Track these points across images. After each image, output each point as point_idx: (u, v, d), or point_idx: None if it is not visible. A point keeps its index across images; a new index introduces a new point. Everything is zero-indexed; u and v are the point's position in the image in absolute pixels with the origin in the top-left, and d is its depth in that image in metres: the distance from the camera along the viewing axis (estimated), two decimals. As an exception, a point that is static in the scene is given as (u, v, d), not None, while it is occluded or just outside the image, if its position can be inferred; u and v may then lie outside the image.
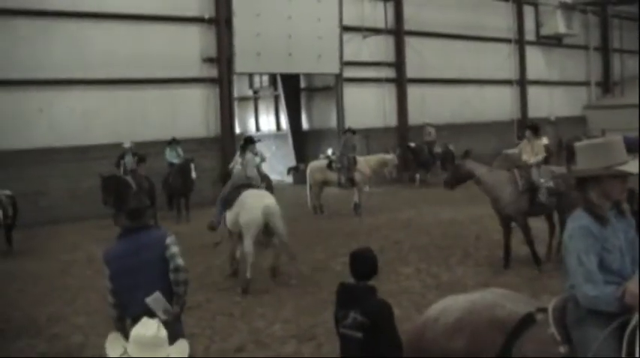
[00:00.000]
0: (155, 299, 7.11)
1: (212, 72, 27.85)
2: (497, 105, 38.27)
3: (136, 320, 6.02)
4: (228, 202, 14.38)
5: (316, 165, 23.60)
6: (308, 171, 23.57)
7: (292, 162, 33.36)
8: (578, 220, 4.97)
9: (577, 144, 5.32)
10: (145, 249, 7.37)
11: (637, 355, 4.52)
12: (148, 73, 25.81)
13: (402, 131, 33.57)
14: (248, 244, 13.55)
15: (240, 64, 28.14)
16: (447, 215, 21.10)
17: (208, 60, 27.72)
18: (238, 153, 15.93)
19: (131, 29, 25.51)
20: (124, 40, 25.17)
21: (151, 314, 6.51)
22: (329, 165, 22.95)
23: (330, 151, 24.43)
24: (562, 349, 4.96)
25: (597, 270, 4.80)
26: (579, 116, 43.69)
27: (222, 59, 27.75)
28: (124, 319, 7.38)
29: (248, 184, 14.77)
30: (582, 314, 4.87)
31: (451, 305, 5.84)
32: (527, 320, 5.27)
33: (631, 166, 4.93)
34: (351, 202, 22.89)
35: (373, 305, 6.27)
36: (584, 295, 4.78)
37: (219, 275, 15.00)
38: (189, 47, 27.18)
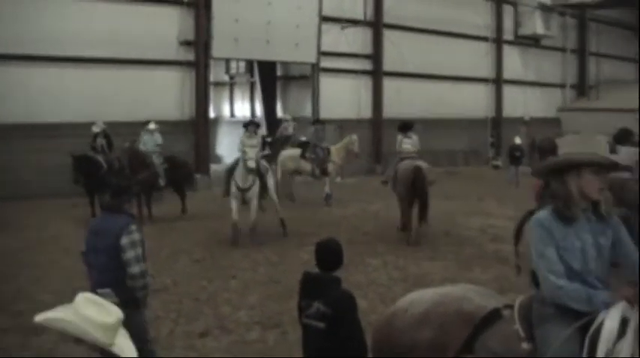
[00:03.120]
0: (105, 294, 6.99)
1: (189, 55, 27.71)
2: (472, 102, 38.34)
3: None
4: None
5: (289, 153, 23.56)
6: (280, 159, 23.50)
7: (265, 150, 33.28)
8: (539, 214, 5.05)
9: (561, 138, 5.39)
10: (104, 233, 7.42)
11: (598, 355, 4.54)
12: (124, 53, 25.62)
13: (377, 123, 33.58)
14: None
15: (218, 49, 27.97)
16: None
17: (185, 43, 27.58)
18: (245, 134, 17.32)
19: (110, 8, 25.26)
20: (101, 18, 24.91)
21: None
22: (302, 155, 22.92)
23: (303, 139, 24.40)
24: (525, 345, 5.01)
25: (559, 262, 4.83)
26: (553, 117, 43.89)
27: (200, 43, 27.62)
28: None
29: None
30: (546, 313, 4.90)
31: (421, 297, 5.90)
32: (494, 315, 5.32)
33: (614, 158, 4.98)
34: (322, 192, 22.90)
35: (337, 296, 6.30)
36: (549, 285, 4.82)
37: (187, 259, 15.00)
38: (167, 29, 27.01)
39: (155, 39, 26.38)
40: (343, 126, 30.22)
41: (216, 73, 36.44)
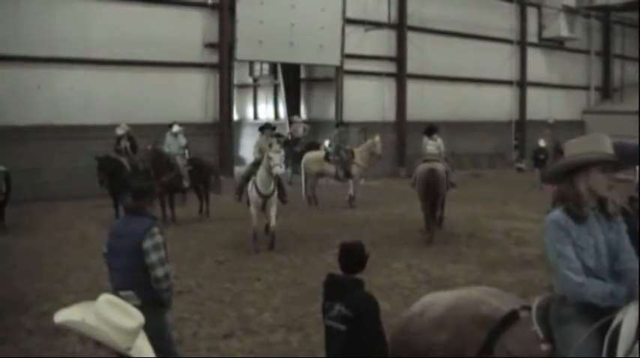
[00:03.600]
0: (127, 296, 7.03)
1: (213, 57, 27.80)
2: (496, 105, 38.25)
3: None
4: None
5: (313, 156, 23.59)
6: (304, 161, 23.52)
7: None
8: (551, 215, 5.06)
9: (566, 143, 5.34)
10: (127, 236, 7.42)
11: (618, 355, 4.56)
12: (149, 55, 25.77)
13: (401, 126, 33.54)
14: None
15: (242, 51, 28.09)
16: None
17: (210, 45, 27.69)
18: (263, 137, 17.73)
19: (134, 10, 25.45)
20: (126, 21, 25.11)
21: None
22: (326, 157, 22.97)
23: (327, 143, 24.41)
24: (544, 347, 5.03)
25: (577, 260, 4.88)
26: (578, 120, 43.62)
27: (224, 45, 27.70)
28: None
29: None
30: (565, 313, 4.94)
31: (436, 301, 5.91)
32: (511, 318, 5.34)
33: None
34: (346, 194, 22.91)
35: (359, 298, 6.27)
36: (569, 283, 4.87)
37: (211, 260, 15.04)
38: (192, 32, 27.15)
39: (180, 41, 26.50)
40: (367, 128, 30.19)
41: (240, 75, 36.50)
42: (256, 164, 16.86)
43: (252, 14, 27.67)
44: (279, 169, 16.03)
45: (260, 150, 16.97)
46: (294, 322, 10.77)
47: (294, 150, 29.08)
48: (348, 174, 22.74)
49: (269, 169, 15.86)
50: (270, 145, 16.36)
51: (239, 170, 28.96)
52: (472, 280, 12.69)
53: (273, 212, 16.46)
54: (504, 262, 14.76)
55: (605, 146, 5.08)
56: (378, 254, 15.32)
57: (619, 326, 4.63)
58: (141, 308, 6.95)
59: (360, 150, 23.40)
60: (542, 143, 30.49)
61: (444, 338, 5.51)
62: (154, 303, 7.29)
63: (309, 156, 23.77)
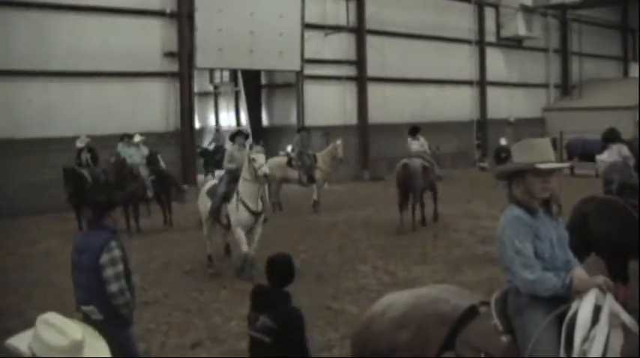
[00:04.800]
0: (89, 311, 7.22)
1: (173, 66, 27.63)
2: (457, 105, 38.49)
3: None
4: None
5: (275, 161, 23.50)
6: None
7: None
8: (511, 212, 5.37)
9: (514, 145, 5.78)
10: (86, 250, 7.38)
11: (576, 341, 4.84)
12: (109, 66, 25.55)
13: (363, 129, 33.63)
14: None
15: (202, 59, 27.98)
16: (405, 213, 21.22)
17: (169, 54, 27.52)
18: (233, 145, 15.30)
19: (93, 22, 25.23)
20: (85, 32, 24.91)
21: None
22: (289, 163, 22.97)
23: (289, 148, 24.41)
24: (504, 338, 5.28)
25: (533, 256, 5.20)
26: (538, 118, 44.12)
27: (184, 54, 27.57)
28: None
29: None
30: (522, 304, 5.21)
31: (397, 300, 6.03)
32: (471, 313, 5.53)
33: (546, 165, 5.34)
34: (310, 199, 22.91)
35: (285, 312, 6.34)
36: (523, 280, 5.15)
37: (177, 270, 14.98)
38: (151, 41, 26.97)
39: (139, 51, 26.34)
40: (329, 132, 30.23)
41: (201, 83, 36.42)
42: (232, 178, 14.55)
43: (211, 22, 27.58)
44: (267, 169, 14.03)
45: (233, 161, 14.79)
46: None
47: (215, 158, 29.05)
48: (311, 179, 22.77)
49: (254, 174, 13.85)
50: (250, 147, 14.79)
51: (201, 179, 28.93)
52: (438, 280, 12.74)
53: (259, 233, 14.50)
54: (470, 261, 14.86)
55: (544, 153, 5.45)
56: (344, 258, 15.50)
57: (575, 314, 4.93)
58: (104, 322, 7.02)
59: (322, 155, 23.43)
60: (503, 141, 30.69)
61: (405, 336, 5.63)
62: (116, 318, 7.26)
63: (272, 161, 23.72)
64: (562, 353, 4.92)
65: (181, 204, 22.10)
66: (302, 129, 24.91)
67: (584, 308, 4.93)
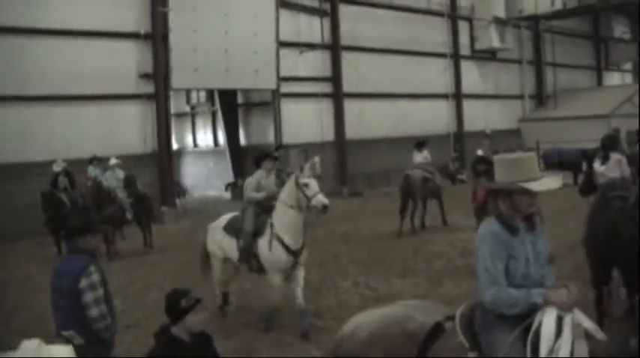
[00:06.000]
0: (69, 336, 7.08)
1: (149, 88, 27.59)
2: (433, 118, 38.66)
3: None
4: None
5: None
6: (245, 186, 23.37)
7: (230, 178, 33.26)
8: (489, 227, 5.37)
9: (495, 157, 5.75)
10: (65, 275, 7.29)
11: (541, 353, 4.89)
12: (84, 88, 25.46)
13: (340, 145, 33.70)
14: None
15: (177, 80, 27.91)
16: (385, 228, 21.25)
17: (145, 76, 27.49)
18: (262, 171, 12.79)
19: (67, 44, 25.14)
20: (60, 55, 24.81)
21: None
22: (267, 180, 22.87)
23: (268, 166, 24.31)
24: (471, 355, 5.28)
25: (502, 276, 5.22)
26: (514, 129, 44.40)
27: (159, 75, 27.55)
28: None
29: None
30: (489, 319, 5.24)
31: (365, 320, 6.06)
32: (437, 330, 5.53)
33: (537, 185, 5.33)
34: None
35: None
36: (488, 298, 5.20)
37: (157, 292, 14.82)
38: (126, 63, 26.91)
39: (114, 73, 26.24)
40: (307, 149, 30.24)
41: (177, 103, 36.44)
42: (259, 210, 12.12)
43: (186, 42, 27.56)
44: (326, 200, 11.52)
45: (261, 189, 12.46)
46: (244, 348, 10.73)
47: None
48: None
49: (305, 204, 11.39)
50: (300, 170, 12.33)
51: (182, 201, 28.82)
52: (419, 294, 12.76)
53: (301, 276, 11.71)
54: (450, 273, 14.88)
55: (532, 170, 5.47)
56: (324, 274, 15.46)
57: (539, 326, 4.98)
58: (85, 347, 6.99)
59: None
60: (480, 153, 30.80)
61: (374, 356, 5.66)
62: (97, 342, 7.21)
63: (250, 181, 23.63)
64: None
65: (160, 225, 22.01)
66: (280, 147, 24.90)
67: (547, 321, 4.99)
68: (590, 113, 39.09)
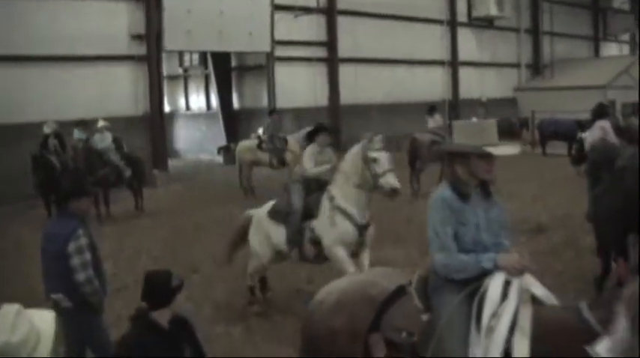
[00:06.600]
0: (58, 299, 7.18)
1: (141, 49, 27.26)
2: (429, 85, 38.43)
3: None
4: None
5: (246, 145, 23.25)
6: (237, 151, 23.27)
7: (223, 142, 33.01)
8: (440, 193, 5.48)
9: (455, 123, 6.08)
10: (54, 239, 7.31)
11: (484, 317, 5.03)
12: (75, 49, 25.10)
13: (334, 110, 33.49)
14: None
15: (170, 42, 27.60)
16: (376, 196, 21.08)
17: (137, 37, 27.14)
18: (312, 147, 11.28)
19: (58, 5, 24.75)
20: (51, 16, 24.42)
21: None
22: (259, 145, 22.72)
23: (260, 131, 24.13)
24: (424, 317, 5.51)
25: (452, 241, 5.33)
26: (510, 97, 44.22)
27: (151, 36, 27.19)
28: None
29: None
30: (440, 283, 5.40)
31: (334, 287, 6.32)
32: (399, 293, 5.76)
33: (495, 150, 5.40)
34: (282, 182, 22.72)
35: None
36: (437, 262, 5.34)
37: (148, 257, 14.79)
38: (118, 24, 26.53)
39: (106, 34, 25.88)
40: (301, 115, 30.07)
41: (170, 66, 36.08)
42: (311, 189, 10.60)
43: (179, 3, 27.24)
44: (397, 182, 10.05)
45: (316, 164, 10.85)
46: (234, 315, 10.71)
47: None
48: (282, 162, 22.55)
49: (371, 182, 9.91)
50: (369, 141, 10.20)
51: (175, 163, 28.60)
52: (411, 263, 12.61)
53: (367, 258, 10.44)
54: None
55: (491, 137, 5.55)
56: None
57: (485, 292, 5.12)
58: (73, 310, 6.95)
59: (298, 139, 23.33)
60: (474, 121, 30.66)
61: (339, 322, 5.88)
62: (85, 305, 7.25)
63: (242, 144, 23.50)
64: (472, 329, 5.10)
65: (153, 189, 21.84)
66: (273, 111, 24.72)
67: (493, 285, 5.10)
68: (586, 84, 38.88)
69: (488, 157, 5.37)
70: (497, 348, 4.91)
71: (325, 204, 10.03)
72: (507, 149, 5.50)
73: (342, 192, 9.95)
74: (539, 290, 5.14)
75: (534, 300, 5.10)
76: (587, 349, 4.58)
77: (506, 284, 5.07)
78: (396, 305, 5.67)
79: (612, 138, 14.14)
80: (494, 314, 5.00)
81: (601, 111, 14.98)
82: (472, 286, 5.19)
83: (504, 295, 5.05)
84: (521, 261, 5.11)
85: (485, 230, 5.44)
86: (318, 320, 6.07)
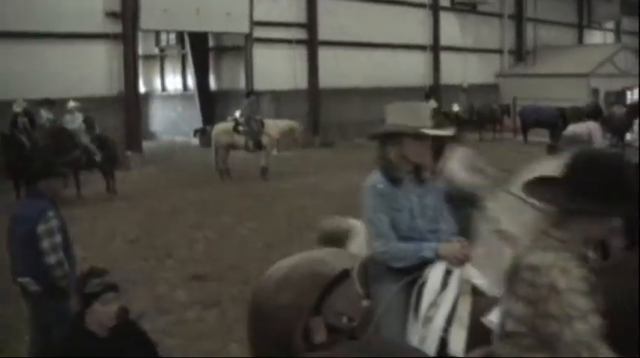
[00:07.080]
0: (25, 283, 7.07)
1: (116, 27, 26.51)
2: (410, 70, 38.00)
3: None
4: None
5: (222, 127, 22.96)
6: (213, 133, 22.94)
7: (199, 124, 32.58)
8: (370, 180, 5.39)
9: (388, 106, 5.64)
10: (22, 220, 7.16)
11: (423, 306, 4.99)
12: (48, 26, 24.37)
13: (313, 93, 33.07)
14: None
15: (146, 20, 26.95)
16: (354, 180, 20.67)
17: (112, 15, 26.39)
18: None
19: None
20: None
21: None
22: (235, 128, 22.39)
23: (237, 113, 23.75)
24: (364, 303, 5.24)
25: (388, 228, 5.26)
26: (492, 84, 44.00)
27: (127, 14, 26.45)
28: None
29: None
30: (379, 271, 5.33)
31: (283, 264, 5.88)
32: (344, 276, 5.24)
33: (427, 131, 5.31)
34: (259, 166, 22.42)
35: None
36: (375, 250, 5.29)
37: (122, 240, 14.53)
38: (92, 0, 25.90)
39: (79, 11, 25.11)
40: (279, 97, 29.68)
41: (146, 45, 35.60)
42: None
43: (156, -19, 26.66)
44: None
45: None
46: (209, 298, 10.56)
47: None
48: (258, 145, 22.25)
49: None
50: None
51: (150, 144, 28.06)
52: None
53: None
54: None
55: (424, 119, 5.42)
56: (292, 225, 15.27)
57: (424, 282, 5.09)
58: (41, 294, 6.64)
59: (275, 122, 23.09)
60: (455, 107, 30.43)
61: (285, 299, 5.58)
62: (54, 289, 7.05)
63: (218, 127, 23.18)
64: (410, 318, 5.07)
65: (125, 171, 21.43)
66: (250, 93, 24.47)
67: (433, 274, 5.08)
68: (569, 71, 38.81)
69: (422, 139, 5.28)
70: (434, 338, 4.90)
71: None
72: (440, 131, 5.61)
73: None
74: (480, 281, 5.07)
75: (475, 291, 5.03)
76: (482, 320, 4.61)
77: (447, 274, 5.08)
78: (341, 288, 5.43)
79: (597, 140, 13.96)
80: (433, 304, 5.00)
81: (595, 113, 14.91)
82: (412, 276, 5.17)
83: (445, 285, 5.06)
84: (462, 250, 5.10)
85: (419, 216, 5.37)
86: (264, 297, 5.75)
